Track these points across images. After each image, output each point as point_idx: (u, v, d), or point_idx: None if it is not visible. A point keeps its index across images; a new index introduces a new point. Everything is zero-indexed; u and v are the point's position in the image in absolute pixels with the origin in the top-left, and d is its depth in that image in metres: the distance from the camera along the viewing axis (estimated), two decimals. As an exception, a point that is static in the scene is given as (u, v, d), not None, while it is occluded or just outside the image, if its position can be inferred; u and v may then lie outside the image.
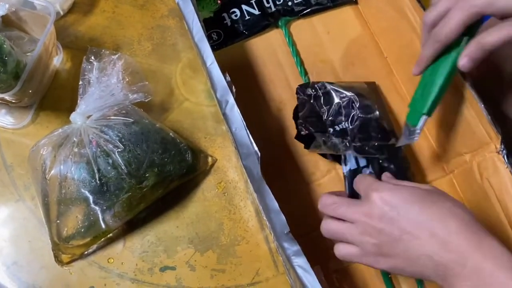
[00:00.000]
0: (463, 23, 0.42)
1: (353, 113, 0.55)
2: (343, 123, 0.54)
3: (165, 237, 0.55)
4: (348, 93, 0.55)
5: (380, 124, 0.55)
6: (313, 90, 0.57)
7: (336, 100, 0.55)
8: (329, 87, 0.56)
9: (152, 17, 0.65)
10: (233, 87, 0.50)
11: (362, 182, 0.46)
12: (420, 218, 0.40)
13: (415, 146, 0.59)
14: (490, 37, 0.41)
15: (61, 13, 0.63)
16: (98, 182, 0.49)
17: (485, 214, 0.51)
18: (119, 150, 0.49)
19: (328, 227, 0.46)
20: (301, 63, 0.61)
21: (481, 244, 0.38)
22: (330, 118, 0.55)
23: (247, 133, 0.47)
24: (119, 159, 0.49)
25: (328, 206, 0.46)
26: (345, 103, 0.55)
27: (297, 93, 0.57)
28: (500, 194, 0.49)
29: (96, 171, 0.49)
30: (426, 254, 0.39)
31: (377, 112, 0.55)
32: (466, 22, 0.42)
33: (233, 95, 0.49)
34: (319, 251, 0.53)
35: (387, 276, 0.53)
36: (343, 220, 0.45)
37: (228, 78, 0.50)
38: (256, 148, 0.47)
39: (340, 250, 0.45)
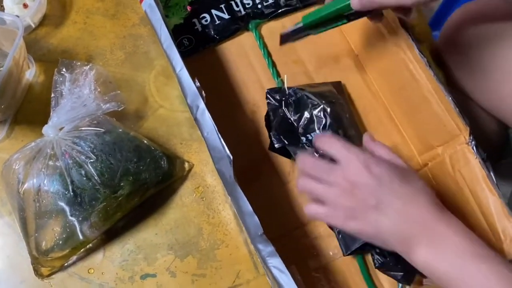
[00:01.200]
0: None
1: (324, 122, 0.55)
2: (316, 131, 0.55)
3: (144, 245, 0.55)
4: (320, 101, 0.55)
5: (347, 131, 0.55)
6: (284, 96, 0.57)
7: (308, 109, 0.55)
8: (300, 93, 0.56)
9: (124, 26, 0.65)
10: (203, 92, 0.50)
11: (335, 143, 0.46)
12: (398, 192, 0.43)
13: (391, 141, 0.59)
14: None
15: (33, 26, 0.63)
16: (72, 193, 0.49)
17: (459, 206, 0.52)
18: (91, 160, 0.49)
19: (304, 184, 0.47)
20: (273, 64, 0.62)
21: (441, 217, 0.43)
22: (302, 127, 0.55)
23: (218, 137, 0.48)
24: (92, 170, 0.49)
25: (307, 165, 0.47)
26: (316, 111, 0.55)
27: (267, 98, 0.57)
28: (472, 185, 0.50)
29: (69, 182, 0.49)
30: (393, 225, 0.43)
31: (347, 116, 0.56)
32: None
33: (203, 100, 0.49)
34: (298, 250, 0.54)
35: (367, 273, 0.53)
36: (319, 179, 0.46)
37: (198, 84, 0.50)
38: (228, 152, 0.47)
39: (311, 210, 0.47)
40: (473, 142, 0.50)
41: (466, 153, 0.50)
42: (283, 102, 0.56)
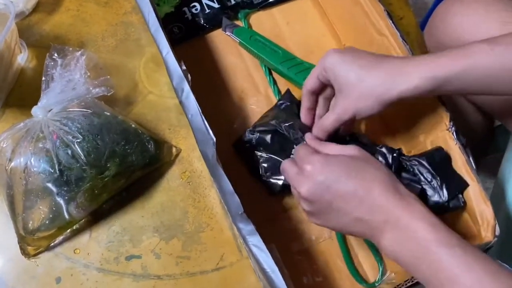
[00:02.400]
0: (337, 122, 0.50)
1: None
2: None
3: (130, 227, 0.56)
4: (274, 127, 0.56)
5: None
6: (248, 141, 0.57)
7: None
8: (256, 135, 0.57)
9: (116, 14, 0.66)
10: (189, 75, 0.51)
11: (298, 153, 0.48)
12: (347, 188, 0.43)
13: (376, 131, 0.60)
14: (327, 121, 0.50)
15: (26, 12, 0.64)
16: (59, 173, 0.50)
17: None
18: (78, 140, 0.50)
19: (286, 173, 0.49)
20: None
21: (400, 203, 0.42)
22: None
23: (202, 119, 0.49)
24: (78, 149, 0.50)
25: (282, 172, 0.49)
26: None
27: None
28: (452, 170, 0.51)
29: (56, 162, 0.50)
30: (355, 220, 0.43)
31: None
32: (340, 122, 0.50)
33: (188, 83, 0.50)
34: (281, 234, 0.55)
35: (348, 256, 0.54)
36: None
37: (184, 67, 0.51)
38: (211, 133, 0.48)
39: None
40: (453, 128, 0.50)
41: (447, 139, 0.51)
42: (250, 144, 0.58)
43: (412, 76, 0.44)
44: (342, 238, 0.54)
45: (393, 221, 0.41)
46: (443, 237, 0.39)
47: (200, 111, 0.48)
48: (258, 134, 0.56)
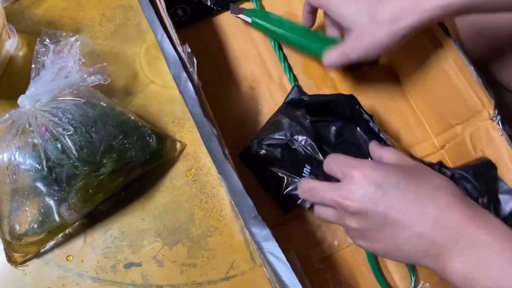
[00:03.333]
0: None
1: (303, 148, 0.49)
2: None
3: (129, 231, 0.50)
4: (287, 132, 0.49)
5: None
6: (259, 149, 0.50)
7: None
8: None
9: (114, -4, 0.60)
10: (195, 59, 0.45)
11: (336, 161, 0.40)
12: (408, 197, 0.35)
13: (403, 123, 0.54)
14: (354, 54, 0.46)
15: (17, -4, 0.59)
16: (47, 170, 0.44)
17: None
18: (69, 133, 0.44)
19: (316, 213, 0.41)
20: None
21: (474, 217, 0.34)
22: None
23: (201, 110, 0.42)
24: (69, 143, 0.44)
25: (306, 193, 0.41)
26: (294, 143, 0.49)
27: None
28: (497, 165, 0.44)
29: (44, 158, 0.44)
30: (416, 235, 0.35)
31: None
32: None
33: (194, 69, 0.44)
34: (299, 239, 0.48)
35: (376, 264, 0.48)
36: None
37: (188, 49, 0.45)
38: (212, 127, 0.41)
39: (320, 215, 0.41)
40: (498, 117, 0.44)
41: (490, 130, 0.45)
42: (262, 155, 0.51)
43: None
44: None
45: (466, 239, 0.33)
46: None
47: (199, 100, 0.42)
48: (266, 147, 0.50)
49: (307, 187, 0.40)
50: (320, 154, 0.47)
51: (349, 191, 0.37)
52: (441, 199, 0.35)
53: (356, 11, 0.45)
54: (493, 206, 0.43)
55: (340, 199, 0.37)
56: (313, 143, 0.48)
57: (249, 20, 0.55)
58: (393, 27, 0.43)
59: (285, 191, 0.49)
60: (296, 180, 0.48)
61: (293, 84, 0.54)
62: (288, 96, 0.51)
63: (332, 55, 0.48)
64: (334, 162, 0.40)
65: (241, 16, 0.56)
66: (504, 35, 0.55)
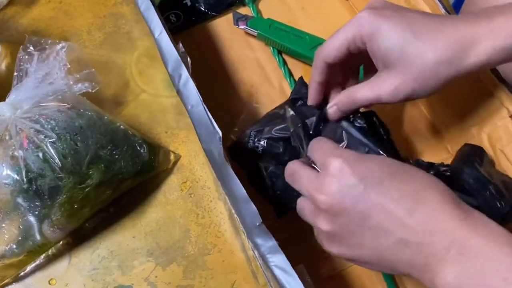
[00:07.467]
0: None
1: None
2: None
3: (119, 250, 0.46)
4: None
5: None
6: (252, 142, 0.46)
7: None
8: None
9: (104, 5, 0.58)
10: (189, 59, 0.42)
11: (318, 146, 0.36)
12: (393, 195, 0.31)
13: (412, 126, 0.50)
14: (361, 96, 0.39)
15: (5, 2, 0.56)
16: (27, 182, 0.40)
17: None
18: (52, 140, 0.40)
19: (297, 205, 0.37)
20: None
21: (466, 218, 0.30)
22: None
23: (204, 109, 0.39)
24: (52, 151, 0.40)
25: (288, 176, 0.37)
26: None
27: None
28: (520, 165, 0.41)
29: (23, 167, 0.40)
30: (401, 240, 0.30)
31: None
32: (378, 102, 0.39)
33: (188, 69, 0.41)
34: (308, 254, 0.44)
35: (393, 283, 0.43)
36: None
37: (183, 49, 0.42)
38: (217, 127, 0.38)
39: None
40: (518, 114, 0.41)
41: (511, 128, 0.41)
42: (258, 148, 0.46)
43: (483, 45, 0.34)
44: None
45: (461, 244, 0.29)
46: None
47: (202, 99, 0.39)
48: (266, 141, 0.45)
49: (291, 169, 0.36)
50: None
51: (323, 182, 0.33)
52: (431, 199, 0.30)
53: (399, 43, 0.37)
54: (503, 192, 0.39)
55: (312, 191, 0.33)
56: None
57: (254, 32, 0.53)
58: (446, 74, 0.36)
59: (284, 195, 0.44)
60: None
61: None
62: (295, 88, 0.47)
63: (367, 92, 0.39)
64: (315, 147, 0.36)
65: (245, 28, 0.54)
66: None
